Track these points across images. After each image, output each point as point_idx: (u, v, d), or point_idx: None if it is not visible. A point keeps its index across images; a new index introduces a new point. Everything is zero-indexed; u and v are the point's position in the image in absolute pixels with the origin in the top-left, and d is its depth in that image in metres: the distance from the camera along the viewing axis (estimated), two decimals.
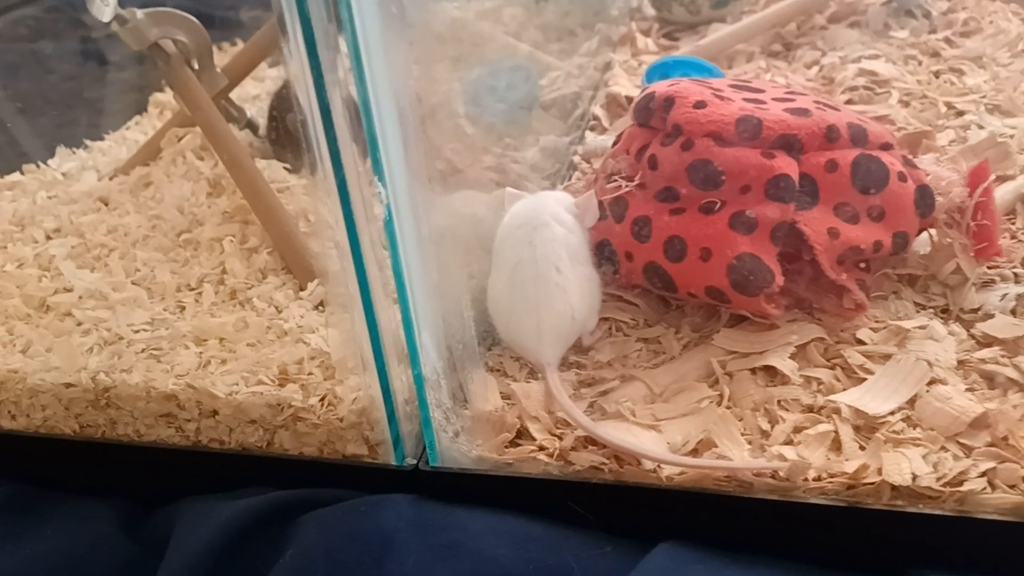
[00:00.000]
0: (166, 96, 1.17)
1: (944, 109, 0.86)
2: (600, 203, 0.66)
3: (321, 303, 0.68)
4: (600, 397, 0.59)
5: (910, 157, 0.66)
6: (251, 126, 0.98)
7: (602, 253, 0.65)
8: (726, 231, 0.59)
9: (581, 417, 0.55)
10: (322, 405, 0.57)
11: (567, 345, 0.62)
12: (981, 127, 0.81)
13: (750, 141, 0.61)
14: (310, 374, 0.59)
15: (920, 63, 0.98)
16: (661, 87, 0.67)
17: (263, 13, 1.50)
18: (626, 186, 0.65)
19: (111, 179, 0.92)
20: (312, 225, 0.77)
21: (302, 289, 0.70)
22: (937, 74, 0.95)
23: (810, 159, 0.61)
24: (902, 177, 0.62)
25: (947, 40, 1.02)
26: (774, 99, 0.65)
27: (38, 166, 0.98)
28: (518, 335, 0.62)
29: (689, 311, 0.66)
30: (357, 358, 0.56)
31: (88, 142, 1.05)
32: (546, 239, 0.62)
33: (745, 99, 0.65)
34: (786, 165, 0.60)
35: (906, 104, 0.90)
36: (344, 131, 0.47)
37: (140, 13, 0.84)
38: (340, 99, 0.47)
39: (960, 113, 0.86)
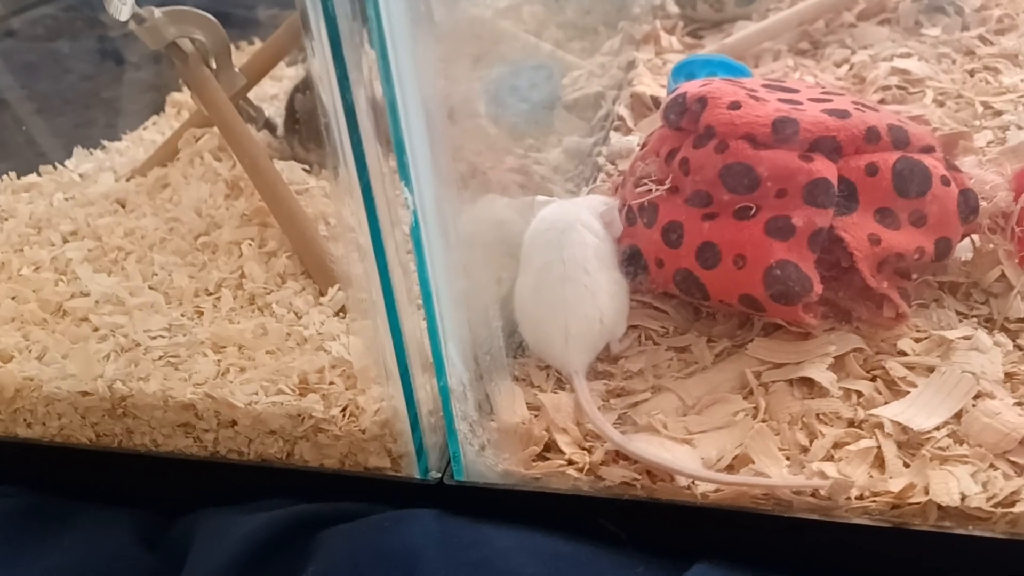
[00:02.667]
0: (183, 96, 1.15)
1: (981, 109, 0.84)
2: (629, 208, 0.64)
3: (342, 309, 0.66)
4: (630, 408, 0.57)
5: (952, 160, 0.64)
6: (269, 126, 0.96)
7: (631, 259, 0.63)
8: (762, 237, 0.57)
9: (611, 431, 0.53)
10: (344, 416, 0.55)
11: (595, 352, 0.60)
12: (1020, 127, 0.79)
13: (787, 143, 0.59)
14: (331, 383, 0.58)
15: (954, 61, 0.95)
16: (693, 87, 0.65)
17: (281, 12, 1.49)
18: (656, 190, 0.63)
19: (128, 180, 0.91)
20: (333, 228, 0.75)
21: (322, 294, 0.68)
22: (972, 73, 0.92)
23: (849, 162, 0.59)
24: (945, 181, 0.60)
25: (981, 38, 0.99)
26: (810, 100, 0.63)
27: (55, 167, 0.97)
28: (545, 340, 0.60)
29: (721, 319, 0.63)
30: (380, 367, 0.54)
31: (105, 143, 1.04)
32: (575, 242, 0.60)
33: (780, 100, 0.63)
34: (825, 168, 0.58)
35: (941, 104, 0.87)
36: (369, 132, 0.45)
37: (158, 12, 0.82)
38: (365, 99, 0.45)
39: (998, 113, 0.84)
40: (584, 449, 0.54)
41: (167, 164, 0.92)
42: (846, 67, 0.99)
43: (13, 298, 0.71)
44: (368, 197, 0.46)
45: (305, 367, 0.59)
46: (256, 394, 0.57)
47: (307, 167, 0.86)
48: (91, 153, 1.01)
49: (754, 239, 0.57)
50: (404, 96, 0.45)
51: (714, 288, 0.59)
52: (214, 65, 0.87)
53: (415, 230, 0.47)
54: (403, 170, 0.45)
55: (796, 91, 0.65)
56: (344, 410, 0.56)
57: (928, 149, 0.62)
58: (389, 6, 0.42)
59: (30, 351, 0.65)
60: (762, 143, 0.59)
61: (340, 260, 0.71)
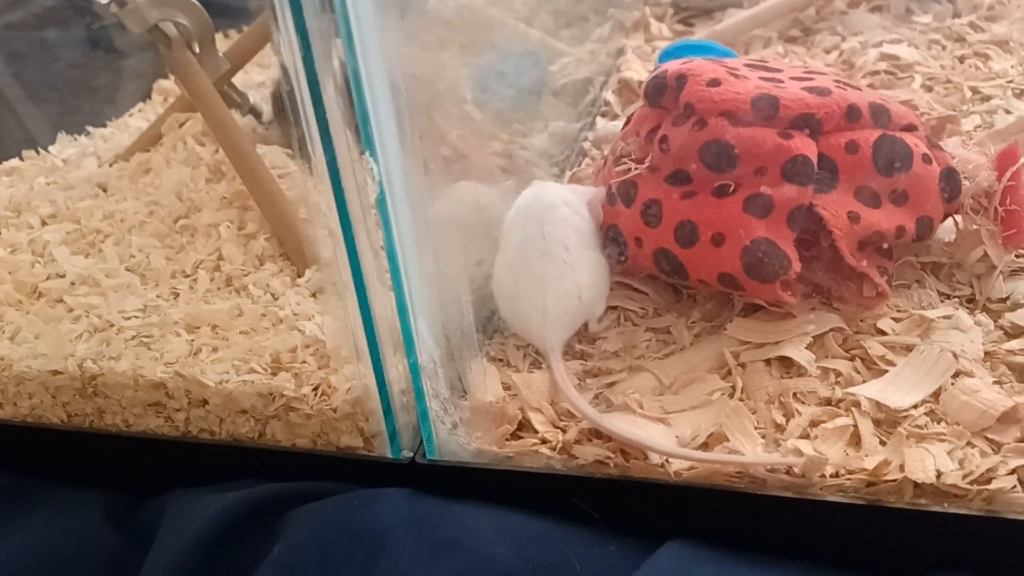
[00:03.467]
0: (170, 83, 1.14)
1: (969, 94, 0.83)
2: (609, 187, 0.63)
3: (319, 290, 0.65)
4: (607, 388, 0.56)
5: (935, 140, 0.63)
6: (254, 112, 0.95)
7: (610, 238, 0.63)
8: (740, 214, 0.56)
9: (586, 407, 0.52)
10: (315, 395, 0.55)
11: (573, 328, 0.59)
12: (1008, 112, 0.78)
13: (766, 120, 0.58)
14: (303, 363, 0.57)
15: (944, 48, 0.95)
16: (673, 66, 0.64)
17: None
18: (635, 168, 0.62)
19: (111, 165, 0.90)
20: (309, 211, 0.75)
21: (300, 276, 0.67)
22: (962, 59, 0.91)
23: (829, 140, 0.58)
24: (927, 159, 0.59)
25: (972, 25, 0.98)
26: (792, 78, 0.62)
27: (38, 152, 0.96)
28: (522, 315, 0.59)
29: (700, 300, 0.63)
30: (351, 346, 0.54)
31: (90, 129, 1.03)
32: (556, 218, 0.60)
33: (761, 78, 0.62)
34: (804, 146, 0.57)
35: (929, 89, 0.86)
36: (334, 107, 0.45)
37: None
38: (331, 71, 0.44)
39: (986, 98, 0.83)
40: (558, 428, 0.53)
41: (150, 149, 0.91)
42: (835, 53, 0.98)
43: None
44: (335, 175, 0.46)
45: (278, 346, 0.58)
46: (227, 373, 0.57)
47: (290, 152, 0.85)
48: (75, 139, 1.01)
49: (732, 217, 0.57)
50: (368, 68, 0.44)
51: (692, 267, 0.59)
52: (198, 50, 0.86)
53: (381, 202, 0.46)
54: (367, 141, 0.44)
55: (779, 70, 0.65)
56: (316, 389, 0.55)
57: (910, 128, 0.61)
58: None
59: (3, 332, 0.64)
60: (741, 120, 0.58)
61: (314, 242, 0.70)
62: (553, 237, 0.59)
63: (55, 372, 0.59)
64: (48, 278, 0.70)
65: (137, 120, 1.07)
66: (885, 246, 0.60)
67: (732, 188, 0.57)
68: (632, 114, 0.68)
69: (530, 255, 0.59)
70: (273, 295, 0.65)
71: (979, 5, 1.01)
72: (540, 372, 0.57)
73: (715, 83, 0.60)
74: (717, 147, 0.58)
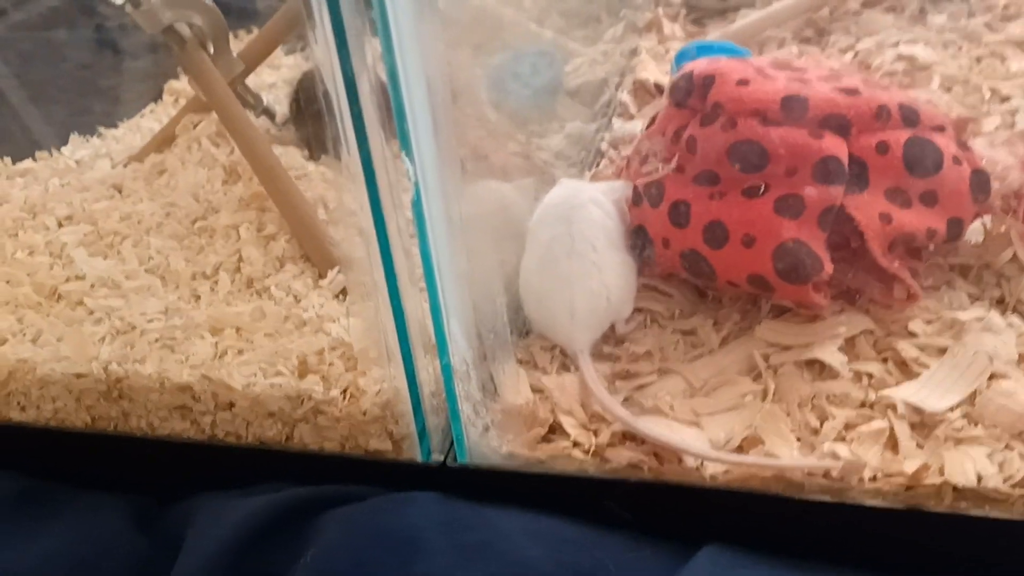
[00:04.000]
0: (181, 84, 1.14)
1: (988, 95, 0.83)
2: (635, 187, 0.63)
3: (342, 292, 0.65)
4: (636, 391, 0.56)
5: (964, 140, 0.62)
6: (268, 113, 0.95)
7: (637, 239, 0.62)
8: (771, 215, 0.56)
9: (619, 409, 0.52)
10: (344, 398, 0.54)
11: (600, 330, 0.59)
12: None
13: (796, 121, 0.57)
14: (331, 365, 0.57)
15: (960, 48, 0.94)
16: (700, 65, 0.64)
17: (278, 1, 1.48)
18: (662, 169, 0.61)
19: (125, 166, 0.89)
20: (332, 212, 0.74)
21: (321, 277, 0.67)
22: (979, 59, 0.91)
23: (859, 140, 0.58)
24: (956, 160, 0.59)
25: (987, 25, 0.98)
26: (819, 78, 0.62)
27: (50, 153, 0.96)
28: (550, 316, 0.59)
29: (728, 302, 0.62)
30: (380, 348, 0.53)
31: (102, 130, 1.03)
32: (583, 218, 0.60)
33: (789, 77, 0.61)
34: (835, 146, 0.57)
35: (948, 89, 0.86)
36: (370, 105, 0.44)
37: None
38: (366, 70, 0.44)
39: (1005, 98, 0.82)
40: (590, 431, 0.53)
41: (164, 150, 0.91)
42: (851, 54, 0.98)
43: (7, 282, 0.69)
44: (369, 174, 0.45)
45: (304, 349, 0.57)
46: (255, 376, 0.56)
47: (306, 154, 0.85)
48: (87, 140, 1.00)
49: (763, 217, 0.56)
50: (406, 68, 0.44)
51: (722, 268, 0.58)
52: (212, 50, 0.86)
53: (417, 203, 0.45)
54: (404, 140, 0.44)
55: (805, 70, 0.64)
56: (344, 392, 0.55)
57: (939, 128, 0.60)
58: None
59: (24, 334, 0.64)
60: (771, 120, 0.58)
61: (340, 243, 0.69)
62: (581, 237, 0.59)
63: (79, 375, 0.58)
64: (67, 280, 0.69)
65: (149, 121, 1.06)
66: (914, 252, 0.60)
67: (762, 189, 0.57)
68: (656, 114, 0.68)
69: (558, 255, 0.59)
70: (296, 297, 0.65)
71: (994, 5, 1.01)
72: (569, 374, 0.57)
73: (744, 83, 0.60)
74: (747, 147, 0.57)
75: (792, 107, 0.58)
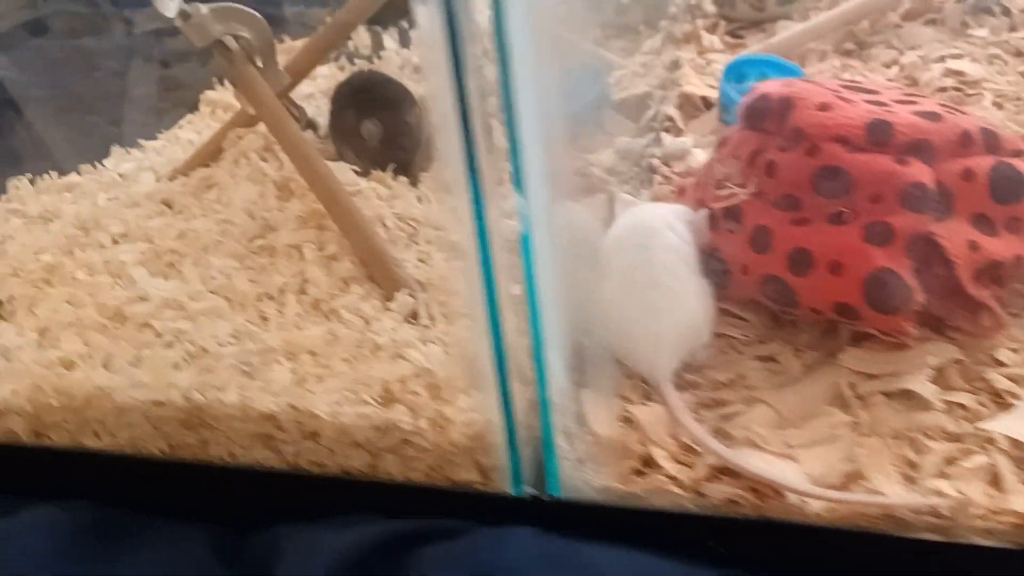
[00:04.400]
0: (218, 94, 1.13)
1: None
2: (711, 212, 0.62)
3: (413, 315, 0.64)
4: (723, 421, 0.55)
5: None
6: (312, 126, 0.94)
7: (713, 264, 0.62)
8: (860, 243, 0.56)
9: (713, 443, 0.51)
10: (432, 428, 0.54)
11: (682, 357, 0.59)
12: None
13: (881, 146, 0.57)
14: (415, 393, 0.56)
15: (1007, 63, 0.94)
16: (774, 88, 0.63)
17: (306, 9, 1.47)
18: (741, 194, 0.61)
19: (171, 180, 0.89)
20: (391, 231, 0.74)
21: (388, 299, 0.66)
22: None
23: (944, 166, 0.57)
24: None
25: None
26: (896, 101, 0.61)
27: (94, 167, 0.95)
28: (631, 344, 0.58)
29: (804, 327, 0.62)
30: (469, 376, 0.53)
31: (142, 141, 1.02)
32: (662, 245, 0.59)
33: (867, 101, 0.61)
34: (921, 172, 0.56)
35: (1000, 107, 0.86)
36: (480, 134, 0.43)
37: (204, 8, 0.80)
38: (480, 94, 0.43)
39: None
40: (683, 464, 0.52)
41: (210, 164, 0.90)
42: (896, 68, 0.97)
43: (69, 302, 0.69)
44: (478, 206, 0.44)
45: (386, 376, 0.57)
46: (339, 404, 0.55)
47: (357, 168, 0.84)
48: (128, 152, 0.99)
49: (852, 246, 0.56)
50: (519, 93, 0.43)
51: (805, 295, 0.58)
52: (259, 63, 0.85)
53: (526, 238, 0.45)
54: (516, 172, 0.43)
55: (878, 92, 0.64)
56: (432, 421, 0.54)
57: (1018, 153, 0.60)
58: None
59: (92, 357, 0.63)
60: (855, 146, 0.57)
61: (404, 263, 0.69)
62: (661, 264, 0.59)
63: (158, 403, 0.58)
64: (130, 301, 0.68)
65: (187, 132, 1.05)
66: (997, 275, 0.60)
67: (848, 216, 0.56)
68: (726, 136, 0.67)
69: (638, 283, 0.58)
70: (365, 319, 0.64)
71: None
72: (655, 404, 0.56)
73: (825, 107, 0.59)
74: (831, 174, 0.57)
75: (876, 133, 0.57)
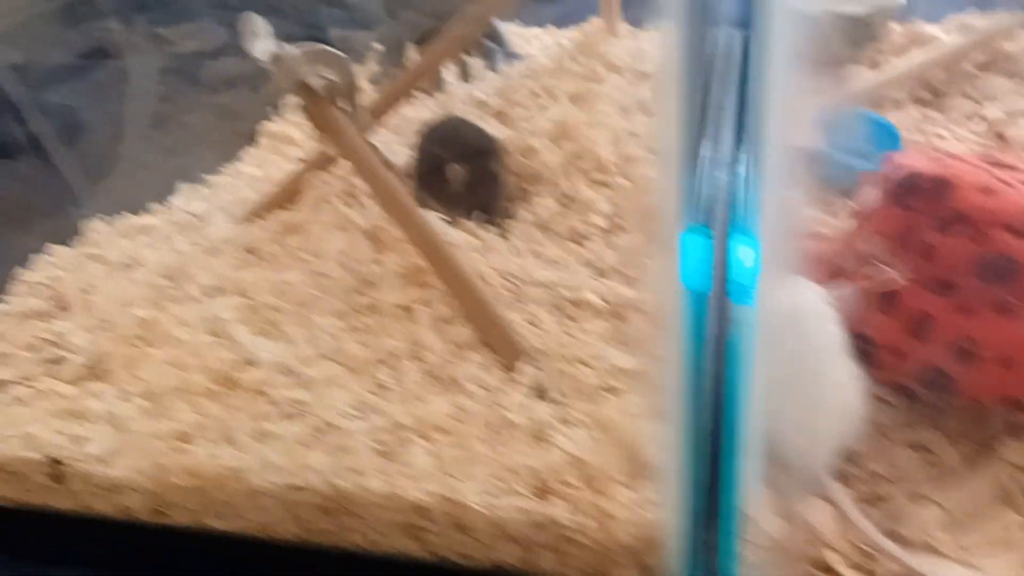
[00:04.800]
0: (276, 125, 1.10)
1: None
2: (860, 292, 0.60)
3: (540, 389, 0.61)
4: (891, 520, 0.53)
5: None
6: (387, 166, 0.91)
7: (861, 346, 0.59)
8: None
9: (894, 549, 0.49)
10: (595, 524, 0.51)
11: (841, 449, 0.56)
12: None
13: None
14: (570, 485, 0.53)
15: None
16: (922, 164, 0.61)
17: (350, 32, 1.45)
18: (895, 276, 0.59)
19: (247, 223, 0.86)
20: (492, 288, 0.71)
21: (509, 369, 0.64)
22: None
23: None
24: None
25: None
26: None
27: (164, 205, 0.92)
28: (788, 436, 0.56)
29: (952, 412, 0.60)
30: (628, 466, 0.50)
31: (206, 176, 0.98)
32: (819, 329, 0.57)
33: (1021, 182, 0.59)
34: None
35: None
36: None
37: (294, 50, 0.77)
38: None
39: None
40: (862, 570, 0.50)
41: (287, 207, 0.87)
42: (978, 121, 0.96)
43: (172, 364, 0.65)
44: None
45: (535, 463, 0.54)
46: (492, 495, 0.53)
47: (447, 218, 0.81)
48: (195, 189, 0.96)
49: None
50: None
51: (967, 385, 0.56)
52: (344, 106, 0.82)
53: (734, 344, 0.42)
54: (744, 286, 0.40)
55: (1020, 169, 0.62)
56: (594, 518, 0.51)
57: None
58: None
59: (208, 429, 0.60)
60: (1022, 233, 0.56)
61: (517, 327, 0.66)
62: (817, 352, 0.56)
63: (296, 487, 0.55)
64: (238, 364, 0.65)
65: (249, 167, 1.02)
66: None
67: (1017, 306, 0.54)
68: (864, 210, 0.65)
69: (798, 373, 0.56)
70: (490, 392, 0.61)
71: None
72: (818, 501, 0.54)
73: (987, 191, 0.57)
74: (1001, 262, 0.55)
75: None
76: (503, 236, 0.80)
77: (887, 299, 0.59)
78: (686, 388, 0.43)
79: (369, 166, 0.78)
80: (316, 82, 0.80)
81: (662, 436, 0.53)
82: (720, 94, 0.39)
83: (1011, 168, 0.62)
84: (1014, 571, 0.49)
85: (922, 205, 0.60)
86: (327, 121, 0.81)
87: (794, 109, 0.42)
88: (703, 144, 0.38)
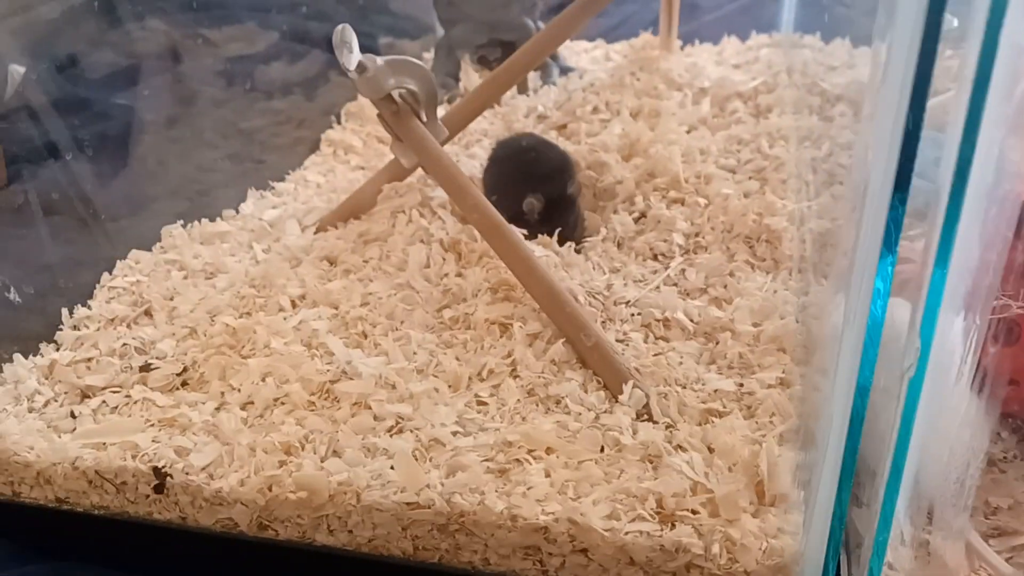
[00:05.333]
0: (337, 133, 1.10)
1: None
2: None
3: (646, 414, 0.61)
4: (1016, 552, 0.52)
5: None
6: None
7: (982, 376, 0.59)
8: None
9: None
10: (724, 553, 0.50)
11: (962, 483, 0.55)
12: None
13: None
14: (693, 509, 0.52)
15: None
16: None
17: (396, 40, 1.44)
18: (1015, 306, 0.58)
19: (321, 231, 0.85)
20: (581, 307, 0.70)
21: (611, 390, 0.63)
22: None
23: None
24: None
25: None
26: None
27: (236, 211, 0.91)
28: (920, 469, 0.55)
29: None
30: (753, 495, 0.49)
31: (273, 183, 0.98)
32: (943, 361, 0.56)
33: None
34: None
35: None
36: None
37: (380, 61, 0.77)
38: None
39: None
40: None
41: (360, 217, 0.86)
42: None
43: (270, 375, 0.64)
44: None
45: (659, 488, 0.53)
46: (618, 519, 0.52)
47: (524, 232, 0.80)
48: (263, 196, 0.95)
49: None
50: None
51: None
52: (424, 117, 0.81)
53: (916, 382, 0.41)
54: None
55: None
56: (723, 546, 0.50)
57: None
58: None
59: (313, 442, 0.59)
60: None
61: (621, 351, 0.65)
62: (941, 381, 0.55)
63: (413, 505, 0.54)
64: (336, 377, 0.64)
65: (313, 174, 1.02)
66: None
67: None
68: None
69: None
70: (595, 413, 0.61)
71: None
72: (941, 531, 0.53)
73: None
74: None
75: None
76: (582, 253, 0.79)
77: (1012, 331, 0.58)
78: (846, 420, 0.43)
79: (454, 178, 0.78)
80: (399, 93, 0.80)
81: (795, 463, 0.52)
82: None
83: None
84: None
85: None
86: (409, 132, 0.80)
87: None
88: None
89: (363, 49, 0.77)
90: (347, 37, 0.76)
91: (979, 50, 0.35)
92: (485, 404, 0.62)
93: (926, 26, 0.35)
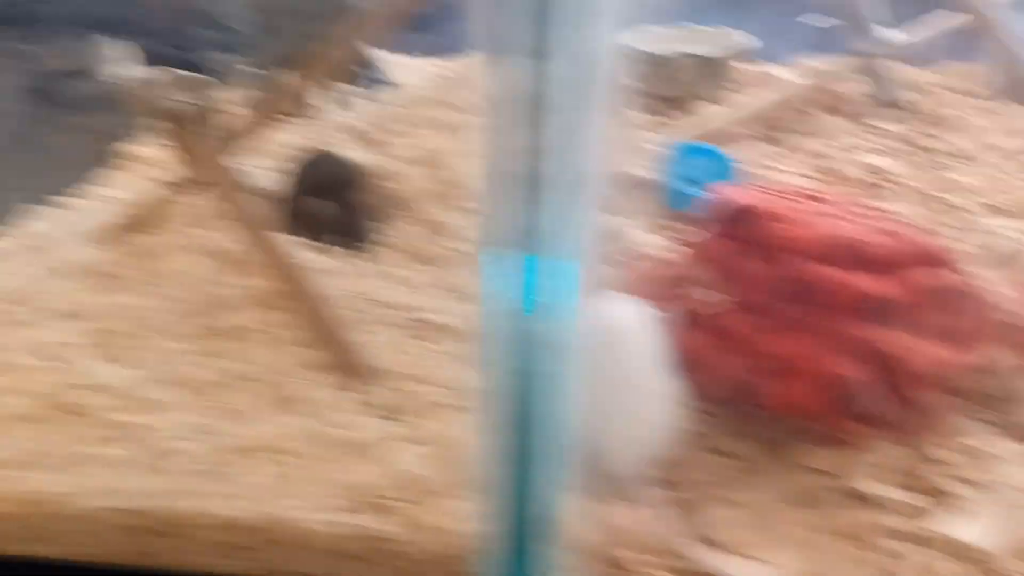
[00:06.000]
0: (141, 149, 1.09)
1: (968, 214, 0.88)
2: (680, 312, 0.64)
3: (387, 411, 0.64)
4: (690, 520, 0.57)
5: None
6: (258, 193, 0.92)
7: (681, 363, 0.64)
8: (820, 351, 0.59)
9: (686, 548, 0.53)
10: (407, 534, 0.53)
11: (652, 459, 0.60)
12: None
13: (840, 259, 0.61)
14: (390, 497, 0.55)
15: (917, 157, 1.00)
16: (742, 197, 0.67)
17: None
18: (714, 299, 0.64)
19: (105, 246, 0.85)
20: (361, 313, 0.73)
21: (350, 388, 0.66)
22: (932, 168, 0.97)
23: (898, 279, 0.62)
24: (978, 297, 0.64)
25: (929, 135, 1.04)
26: (853, 215, 0.66)
27: (15, 226, 0.90)
28: (601, 444, 0.59)
29: (768, 424, 0.64)
30: (451, 480, 0.53)
31: (65, 199, 0.97)
32: (632, 344, 0.60)
33: (825, 214, 0.65)
34: (877, 285, 0.61)
35: (916, 204, 0.91)
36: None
37: (163, 75, 0.79)
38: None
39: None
40: (661, 567, 0.54)
41: (148, 231, 0.87)
42: (817, 159, 1.02)
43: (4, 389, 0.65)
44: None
45: (359, 478, 0.56)
46: (311, 512, 0.54)
47: (313, 243, 0.83)
48: (51, 211, 0.94)
49: (813, 352, 0.59)
50: None
51: (769, 397, 0.61)
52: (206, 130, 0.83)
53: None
54: None
55: (825, 202, 0.69)
56: (409, 528, 0.54)
57: (956, 268, 0.65)
58: None
59: (32, 454, 0.60)
60: (816, 258, 0.61)
61: (361, 347, 0.68)
62: (630, 365, 0.59)
63: (114, 509, 0.55)
64: (76, 391, 0.65)
65: (110, 189, 1.00)
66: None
67: (808, 324, 0.60)
68: (693, 239, 0.70)
69: (611, 385, 0.59)
70: (333, 412, 0.63)
71: (941, 118, 1.08)
72: (626, 504, 0.57)
73: (788, 220, 0.63)
74: (793, 284, 0.61)
75: (836, 246, 0.61)
76: (369, 260, 0.82)
77: (705, 320, 0.63)
78: (499, 403, 0.46)
79: (225, 189, 0.79)
80: (177, 106, 0.81)
81: (481, 450, 0.56)
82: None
83: (824, 202, 0.69)
84: (801, 565, 0.53)
85: (738, 232, 0.65)
86: (188, 144, 0.82)
87: (609, 139, 0.46)
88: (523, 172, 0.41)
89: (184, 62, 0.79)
90: (115, 51, 0.77)
91: None
92: (228, 409, 0.64)
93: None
